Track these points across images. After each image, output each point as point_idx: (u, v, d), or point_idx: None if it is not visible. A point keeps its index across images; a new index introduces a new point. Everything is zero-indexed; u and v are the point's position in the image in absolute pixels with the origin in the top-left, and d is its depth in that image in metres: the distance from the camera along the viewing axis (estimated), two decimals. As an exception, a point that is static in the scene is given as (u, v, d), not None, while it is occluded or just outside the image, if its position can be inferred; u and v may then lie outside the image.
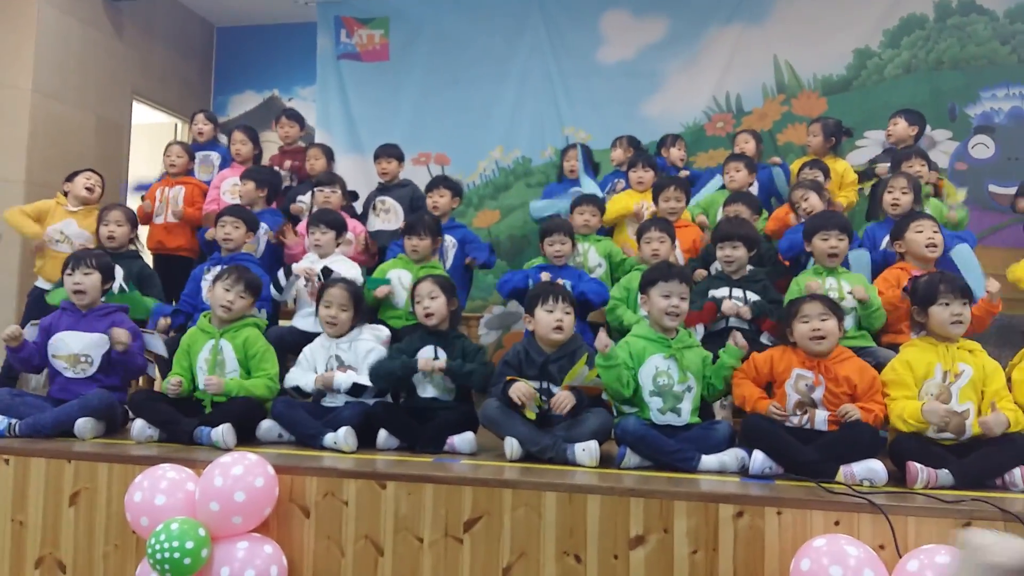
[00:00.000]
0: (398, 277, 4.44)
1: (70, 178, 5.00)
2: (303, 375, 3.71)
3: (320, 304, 3.80)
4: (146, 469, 2.95)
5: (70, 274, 3.82)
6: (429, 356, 3.64)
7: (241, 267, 3.83)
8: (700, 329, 3.94)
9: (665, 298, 3.36)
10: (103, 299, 3.90)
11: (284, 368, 3.81)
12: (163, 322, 4.25)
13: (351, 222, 5.03)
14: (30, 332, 3.85)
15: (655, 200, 4.93)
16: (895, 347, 3.54)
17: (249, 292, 3.71)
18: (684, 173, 5.50)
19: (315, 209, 4.92)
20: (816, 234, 4.04)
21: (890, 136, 5.36)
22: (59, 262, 4.57)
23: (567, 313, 3.46)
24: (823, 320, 3.20)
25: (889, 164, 5.05)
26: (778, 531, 2.62)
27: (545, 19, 6.83)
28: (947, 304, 3.17)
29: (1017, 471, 2.89)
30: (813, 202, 4.49)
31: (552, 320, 3.45)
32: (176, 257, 5.30)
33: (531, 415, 3.32)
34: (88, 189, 4.95)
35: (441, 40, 7.00)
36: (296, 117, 6.06)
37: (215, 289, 3.72)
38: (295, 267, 4.38)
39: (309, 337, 3.94)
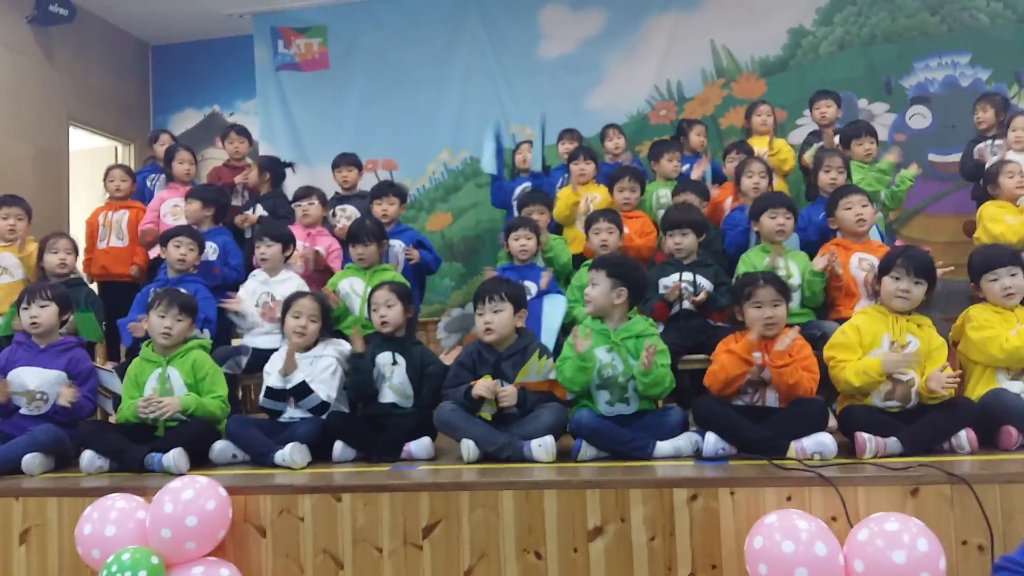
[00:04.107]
0: (350, 285, 4.40)
1: None
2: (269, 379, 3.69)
3: (288, 314, 3.75)
4: (95, 501, 2.89)
5: (26, 308, 3.76)
6: (388, 362, 3.62)
7: (171, 290, 3.78)
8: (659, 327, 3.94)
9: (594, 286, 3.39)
10: (61, 331, 3.85)
11: (233, 388, 3.76)
12: (138, 324, 4.03)
13: (327, 240, 4.94)
14: None
15: (610, 191, 4.96)
16: (841, 322, 3.58)
17: (185, 314, 3.65)
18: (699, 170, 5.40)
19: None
20: (764, 212, 4.11)
21: (824, 118, 5.42)
22: (1, 294, 4.51)
23: (496, 312, 3.45)
24: (775, 307, 3.23)
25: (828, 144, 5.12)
26: (732, 511, 2.64)
27: (483, 17, 6.84)
28: (897, 278, 3.20)
29: (963, 434, 2.94)
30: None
31: (481, 323, 3.47)
32: (121, 283, 5.19)
33: (486, 415, 3.32)
34: (10, 230, 4.72)
35: (381, 45, 6.98)
36: (246, 133, 5.99)
37: (150, 318, 3.66)
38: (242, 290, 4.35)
39: (261, 355, 3.90)
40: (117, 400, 3.87)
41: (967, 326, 3.35)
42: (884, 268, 3.27)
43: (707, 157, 5.52)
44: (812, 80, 6.19)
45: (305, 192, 5.04)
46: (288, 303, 3.80)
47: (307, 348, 3.73)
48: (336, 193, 5.59)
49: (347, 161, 5.58)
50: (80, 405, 3.67)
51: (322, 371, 3.67)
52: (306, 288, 4.31)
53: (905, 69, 6.27)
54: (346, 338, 4.07)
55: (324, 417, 3.54)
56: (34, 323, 3.75)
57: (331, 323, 3.97)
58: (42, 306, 3.76)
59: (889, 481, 2.60)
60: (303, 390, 3.56)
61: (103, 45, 7.38)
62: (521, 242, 4.49)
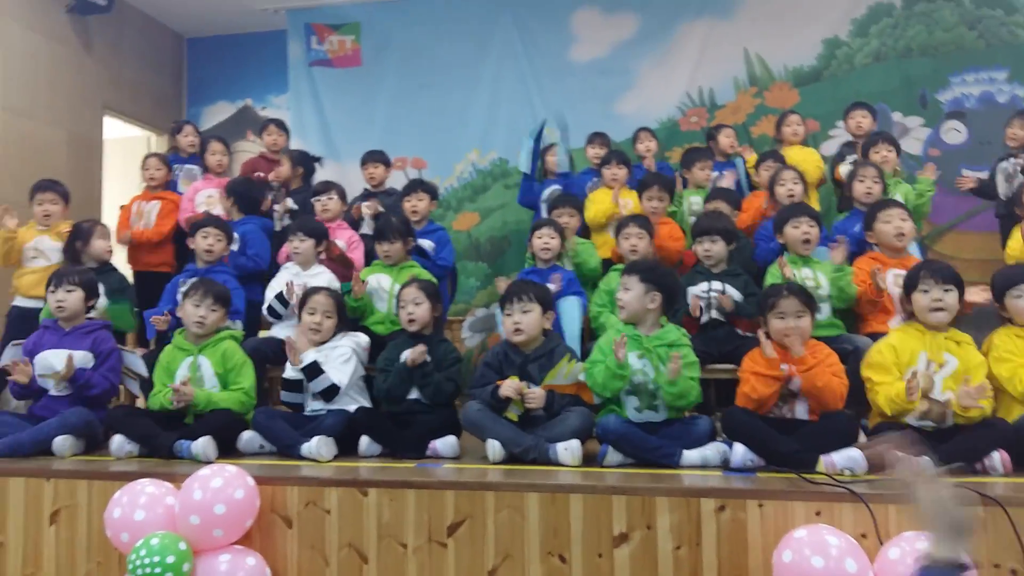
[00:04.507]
0: (377, 281, 4.42)
1: (31, 197, 4.83)
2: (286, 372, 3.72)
3: (304, 311, 3.78)
4: (125, 485, 2.92)
5: (52, 291, 3.81)
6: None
7: (206, 280, 3.81)
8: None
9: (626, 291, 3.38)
10: (88, 316, 3.88)
11: (263, 379, 3.78)
12: (161, 318, 4.07)
13: (347, 233, 4.97)
14: (13, 352, 3.81)
15: (640, 198, 4.95)
16: (874, 336, 3.55)
17: (219, 304, 3.69)
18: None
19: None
20: (787, 223, 4.08)
21: (860, 129, 5.37)
22: (37, 278, 4.52)
23: (525, 312, 3.47)
24: (799, 317, 3.21)
25: (859, 155, 5.08)
26: (760, 523, 2.62)
27: (515, 20, 6.83)
28: (926, 291, 3.17)
29: (996, 455, 2.90)
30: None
31: (510, 324, 3.48)
32: (148, 273, 5.23)
33: (513, 416, 3.32)
34: (45, 215, 4.72)
35: (413, 44, 6.99)
36: (283, 126, 6.06)
37: (185, 306, 3.70)
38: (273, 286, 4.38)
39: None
40: (143, 382, 3.91)
41: (990, 355, 3.31)
42: (909, 286, 3.25)
43: (734, 172, 5.49)
44: (846, 91, 6.14)
45: (324, 187, 5.07)
46: (304, 299, 3.83)
47: (323, 342, 3.75)
48: (364, 190, 5.63)
49: (374, 158, 5.61)
50: (95, 382, 3.68)
51: (335, 359, 3.70)
52: (337, 284, 4.34)
53: (941, 83, 6.20)
54: (370, 332, 4.10)
55: (351, 410, 3.55)
56: (60, 307, 3.79)
57: (348, 317, 3.97)
58: (68, 291, 3.80)
59: (921, 499, 2.58)
60: (314, 370, 3.59)
61: (139, 36, 7.44)
62: (544, 240, 4.47)
